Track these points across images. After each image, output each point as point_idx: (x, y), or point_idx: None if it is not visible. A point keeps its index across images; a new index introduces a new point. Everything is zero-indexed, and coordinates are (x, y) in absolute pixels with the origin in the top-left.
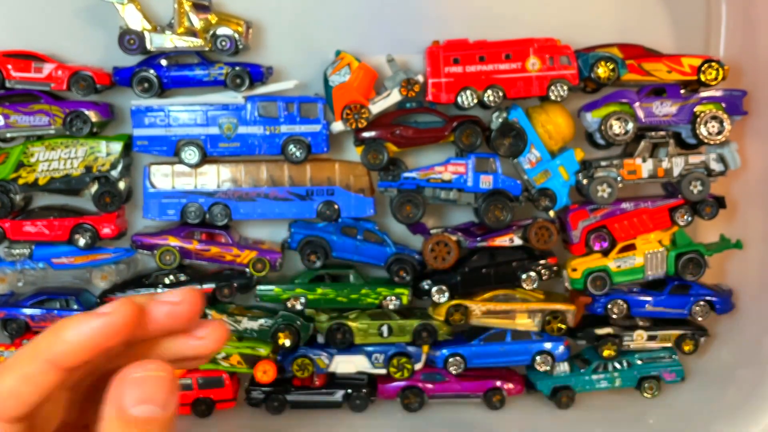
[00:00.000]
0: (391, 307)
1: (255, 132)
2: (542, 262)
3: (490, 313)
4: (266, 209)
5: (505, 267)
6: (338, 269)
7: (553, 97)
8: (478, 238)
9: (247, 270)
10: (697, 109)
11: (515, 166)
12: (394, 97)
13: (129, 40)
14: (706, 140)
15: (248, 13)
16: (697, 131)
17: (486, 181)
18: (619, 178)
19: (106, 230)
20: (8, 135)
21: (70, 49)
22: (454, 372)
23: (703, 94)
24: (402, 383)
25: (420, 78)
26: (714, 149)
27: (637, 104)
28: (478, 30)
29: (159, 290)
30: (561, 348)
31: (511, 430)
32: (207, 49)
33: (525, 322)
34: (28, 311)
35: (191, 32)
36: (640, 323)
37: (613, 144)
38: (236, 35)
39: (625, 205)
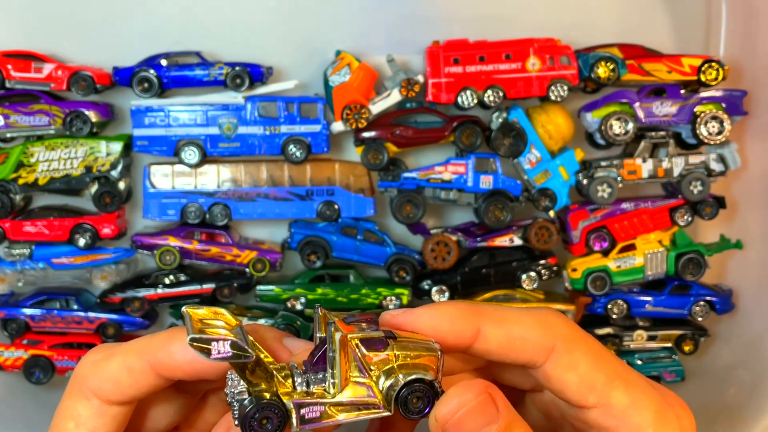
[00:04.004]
0: (391, 307)
1: (255, 132)
2: (542, 262)
3: None
4: (266, 209)
5: (505, 267)
6: (338, 269)
7: (553, 97)
8: (478, 238)
9: (247, 270)
10: (698, 109)
11: (515, 166)
12: (394, 97)
13: None
14: (706, 140)
15: (249, 12)
16: (697, 131)
17: (486, 181)
18: (619, 178)
19: (106, 230)
20: (8, 135)
21: (70, 49)
22: None
23: (703, 94)
24: None
25: (420, 78)
26: (714, 149)
27: (637, 104)
28: (478, 30)
29: (159, 290)
30: None
31: None
32: None
33: None
34: (28, 311)
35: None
36: (640, 323)
37: (613, 144)
38: None
39: (625, 205)
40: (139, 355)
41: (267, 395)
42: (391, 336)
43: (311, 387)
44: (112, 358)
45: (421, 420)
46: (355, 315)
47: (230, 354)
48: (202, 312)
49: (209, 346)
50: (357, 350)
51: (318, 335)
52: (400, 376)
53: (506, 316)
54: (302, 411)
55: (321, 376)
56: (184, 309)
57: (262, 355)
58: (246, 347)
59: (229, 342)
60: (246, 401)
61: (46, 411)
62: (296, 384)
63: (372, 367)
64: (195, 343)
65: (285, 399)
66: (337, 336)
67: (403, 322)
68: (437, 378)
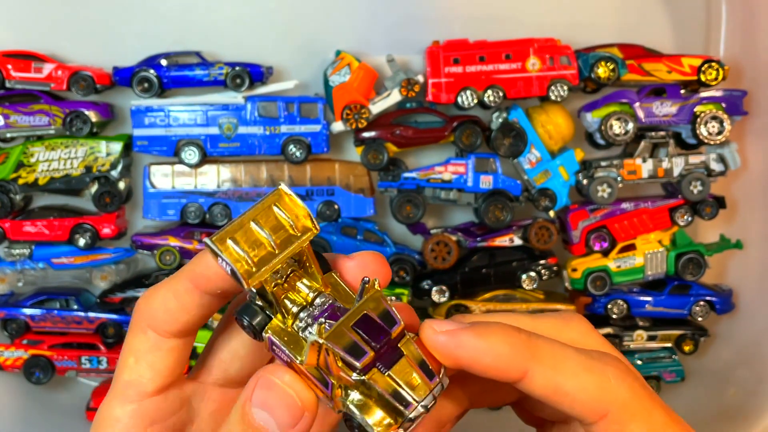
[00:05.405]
0: None
1: (255, 132)
2: (542, 262)
3: (491, 313)
4: None
5: (505, 267)
6: None
7: (553, 97)
8: (478, 238)
9: None
10: (698, 109)
11: (515, 166)
12: (394, 97)
13: None
14: (706, 140)
15: (249, 12)
16: (697, 131)
17: (486, 181)
18: (619, 178)
19: (106, 230)
20: (8, 135)
21: (70, 49)
22: None
23: (704, 94)
24: None
25: (420, 78)
26: (714, 149)
27: (637, 104)
28: (478, 30)
29: None
30: None
31: (511, 429)
32: None
33: None
34: (28, 311)
35: None
36: (640, 323)
37: (613, 144)
38: None
39: (625, 205)
40: (181, 276)
41: (260, 316)
42: (384, 365)
43: (306, 331)
44: (160, 287)
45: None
46: (381, 328)
47: (229, 274)
48: (290, 199)
49: (216, 259)
50: (329, 359)
51: (358, 299)
52: (358, 413)
53: (562, 365)
54: (274, 347)
55: (327, 327)
56: (281, 186)
57: (308, 265)
58: (241, 281)
59: (229, 268)
60: (249, 304)
61: (46, 411)
62: (299, 318)
63: (336, 379)
64: (208, 245)
65: (271, 326)
66: (310, 339)
67: (444, 345)
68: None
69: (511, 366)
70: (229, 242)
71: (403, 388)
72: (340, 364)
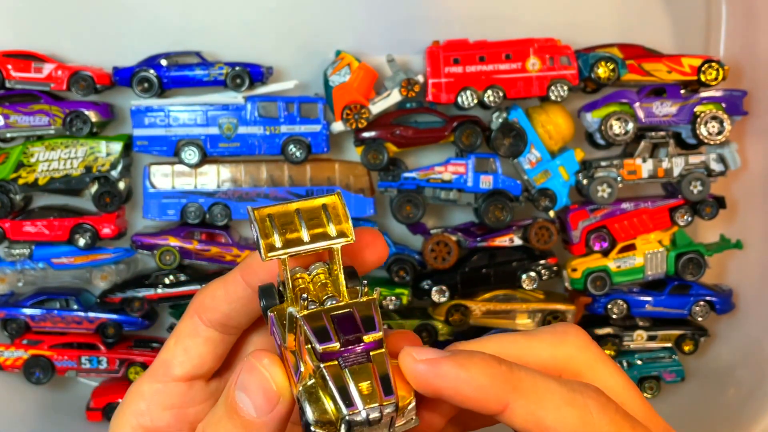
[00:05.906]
0: (391, 307)
1: (255, 132)
2: (542, 262)
3: (490, 313)
4: None
5: (505, 267)
6: None
7: (553, 98)
8: (478, 238)
9: None
10: (698, 109)
11: (515, 166)
12: (394, 97)
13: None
14: (706, 140)
15: (249, 12)
16: (697, 131)
17: (486, 181)
18: (619, 178)
19: (106, 230)
20: (8, 135)
21: (70, 49)
22: None
23: (704, 94)
24: None
25: (420, 78)
26: (714, 149)
27: (637, 104)
28: (478, 30)
29: (159, 290)
30: None
31: (511, 429)
32: None
33: (525, 323)
34: (28, 311)
35: None
36: (640, 323)
37: (613, 144)
38: None
39: (625, 205)
40: (234, 268)
41: (275, 299)
42: (345, 362)
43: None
44: (218, 279)
45: None
46: (359, 332)
47: (254, 241)
48: (341, 206)
49: (250, 227)
50: (301, 340)
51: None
52: (305, 401)
53: (543, 398)
54: (273, 329)
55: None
56: (338, 190)
57: (336, 273)
58: (261, 251)
59: (256, 235)
60: (272, 286)
61: (46, 411)
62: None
63: (304, 365)
64: (248, 211)
65: (277, 308)
66: (289, 311)
67: (424, 374)
68: None
69: (491, 398)
70: (267, 216)
71: (351, 389)
72: (307, 347)
